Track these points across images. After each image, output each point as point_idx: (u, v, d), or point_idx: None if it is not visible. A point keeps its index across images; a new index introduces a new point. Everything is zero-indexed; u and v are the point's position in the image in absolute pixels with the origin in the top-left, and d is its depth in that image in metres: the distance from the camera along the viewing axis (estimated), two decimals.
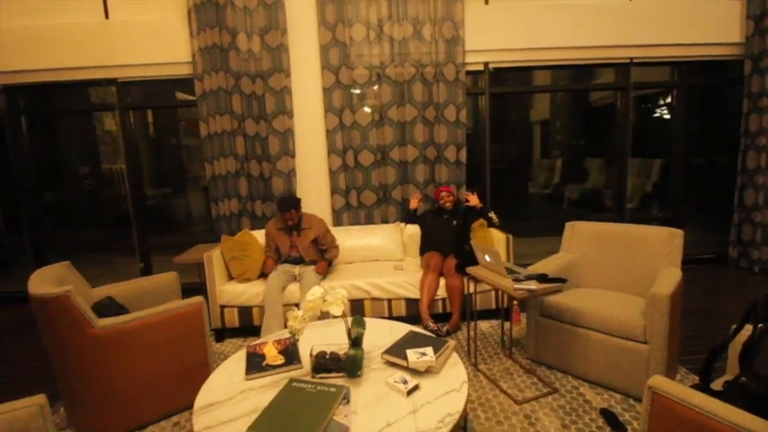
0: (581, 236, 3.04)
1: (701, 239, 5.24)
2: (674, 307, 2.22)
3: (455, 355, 1.93)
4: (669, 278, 2.34)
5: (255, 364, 1.91)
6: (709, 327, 3.29)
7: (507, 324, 3.21)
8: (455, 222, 3.73)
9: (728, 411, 1.15)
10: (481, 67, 4.33)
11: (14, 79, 4.22)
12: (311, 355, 1.86)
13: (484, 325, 3.46)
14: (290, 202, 3.50)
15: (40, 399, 1.39)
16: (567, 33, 4.27)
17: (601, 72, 5.30)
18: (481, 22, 4.17)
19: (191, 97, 4.35)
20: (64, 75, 4.20)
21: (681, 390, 1.27)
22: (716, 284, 4.27)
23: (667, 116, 5.56)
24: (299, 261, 3.56)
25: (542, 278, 2.48)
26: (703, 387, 1.46)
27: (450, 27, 4.02)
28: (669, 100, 5.28)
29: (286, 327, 3.05)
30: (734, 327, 1.57)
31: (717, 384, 1.51)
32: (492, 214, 3.65)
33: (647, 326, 2.25)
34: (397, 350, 1.89)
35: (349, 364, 1.77)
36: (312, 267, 3.49)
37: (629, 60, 4.44)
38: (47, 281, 2.20)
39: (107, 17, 4.12)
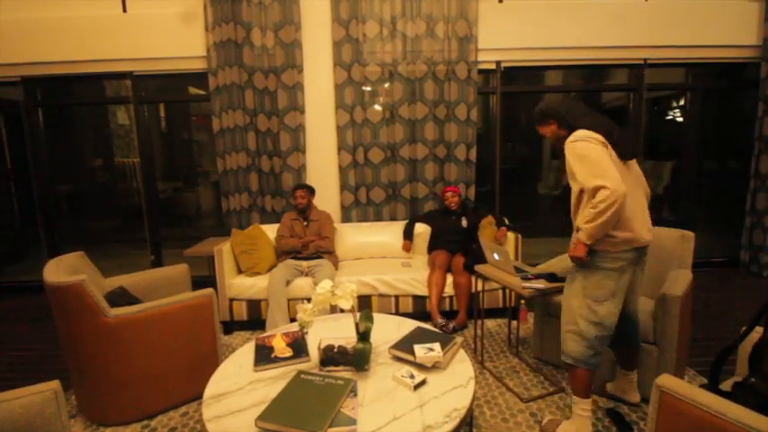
0: None
1: (712, 243, 5.19)
2: (684, 309, 2.21)
3: (462, 352, 1.94)
4: (680, 280, 2.33)
5: (264, 356, 1.93)
6: (719, 330, 3.27)
7: (514, 323, 3.21)
8: (463, 223, 3.72)
9: (737, 411, 1.15)
10: (493, 66, 4.32)
11: (32, 71, 4.28)
12: (319, 348, 1.87)
13: (491, 323, 3.46)
14: (306, 185, 3.76)
15: (55, 384, 1.41)
16: (580, 33, 4.24)
17: (614, 73, 5.26)
18: (494, 21, 4.16)
19: (202, 92, 4.39)
20: (81, 67, 4.25)
21: (689, 389, 1.27)
22: (726, 288, 4.24)
23: (680, 119, 5.51)
24: (308, 258, 3.59)
25: (551, 277, 2.47)
26: (712, 388, 1.45)
27: (464, 25, 4.02)
28: (682, 102, 5.23)
29: (292, 320, 3.09)
30: (744, 328, 1.57)
31: (726, 385, 1.51)
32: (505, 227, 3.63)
33: (657, 327, 2.24)
34: (405, 345, 1.90)
35: (357, 358, 1.78)
36: (324, 261, 3.52)
37: (642, 61, 4.40)
38: (61, 270, 2.23)
39: (125, 10, 4.17)
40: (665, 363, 2.22)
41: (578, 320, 1.93)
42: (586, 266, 1.92)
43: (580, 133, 1.88)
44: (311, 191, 3.78)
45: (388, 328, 2.20)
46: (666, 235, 2.70)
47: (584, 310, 1.92)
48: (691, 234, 2.61)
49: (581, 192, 1.87)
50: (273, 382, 1.75)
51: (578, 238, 1.84)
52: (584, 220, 1.78)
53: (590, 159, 1.80)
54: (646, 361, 2.29)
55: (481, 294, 2.99)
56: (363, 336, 1.80)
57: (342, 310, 2.57)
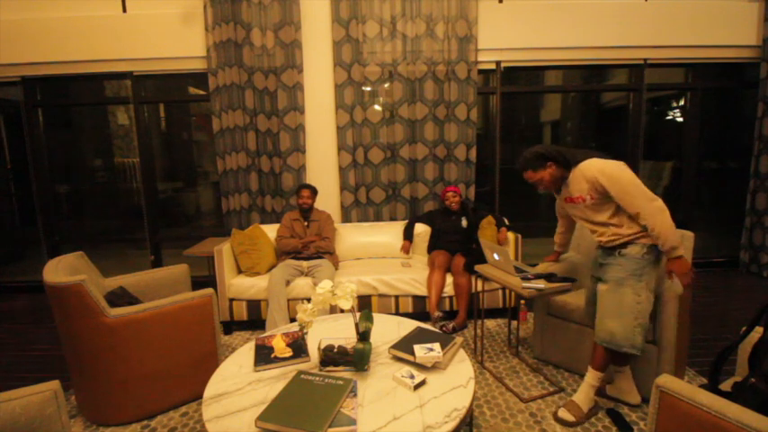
0: (590, 236, 3.03)
1: (712, 243, 5.19)
2: (683, 308, 2.21)
3: (462, 352, 1.94)
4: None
5: (264, 356, 1.93)
6: (718, 330, 3.27)
7: (514, 323, 3.21)
8: (463, 223, 3.72)
9: (736, 411, 1.15)
10: (493, 66, 4.32)
11: (32, 71, 4.29)
12: (319, 348, 1.87)
13: (491, 323, 3.46)
14: (311, 186, 3.76)
15: (54, 384, 1.41)
16: (580, 33, 4.24)
17: (613, 73, 5.26)
18: (494, 21, 4.16)
19: (202, 92, 4.38)
20: (81, 67, 4.26)
21: (689, 389, 1.27)
22: (726, 288, 4.24)
23: (680, 119, 5.50)
24: (308, 258, 3.58)
25: (551, 277, 2.47)
26: (712, 388, 1.45)
27: (464, 25, 4.02)
28: (682, 102, 5.23)
29: (292, 320, 3.09)
30: (744, 328, 1.57)
31: (725, 385, 1.51)
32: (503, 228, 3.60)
33: (656, 327, 2.24)
34: (405, 345, 1.90)
35: (357, 358, 1.78)
36: (324, 261, 3.52)
37: (642, 61, 4.40)
38: (61, 270, 2.23)
39: (124, 11, 4.17)
40: (665, 363, 2.22)
41: (645, 314, 2.05)
42: (652, 263, 2.05)
43: (596, 161, 2.05)
44: (315, 192, 3.77)
45: (388, 328, 2.20)
46: None
47: (648, 303, 2.06)
48: (690, 234, 2.60)
49: (616, 210, 2.07)
50: (273, 382, 1.75)
51: (678, 255, 1.96)
52: (666, 239, 1.94)
53: (633, 182, 2.00)
54: (646, 361, 2.29)
55: (481, 294, 2.99)
56: (363, 336, 1.79)
57: (342, 310, 2.58)
